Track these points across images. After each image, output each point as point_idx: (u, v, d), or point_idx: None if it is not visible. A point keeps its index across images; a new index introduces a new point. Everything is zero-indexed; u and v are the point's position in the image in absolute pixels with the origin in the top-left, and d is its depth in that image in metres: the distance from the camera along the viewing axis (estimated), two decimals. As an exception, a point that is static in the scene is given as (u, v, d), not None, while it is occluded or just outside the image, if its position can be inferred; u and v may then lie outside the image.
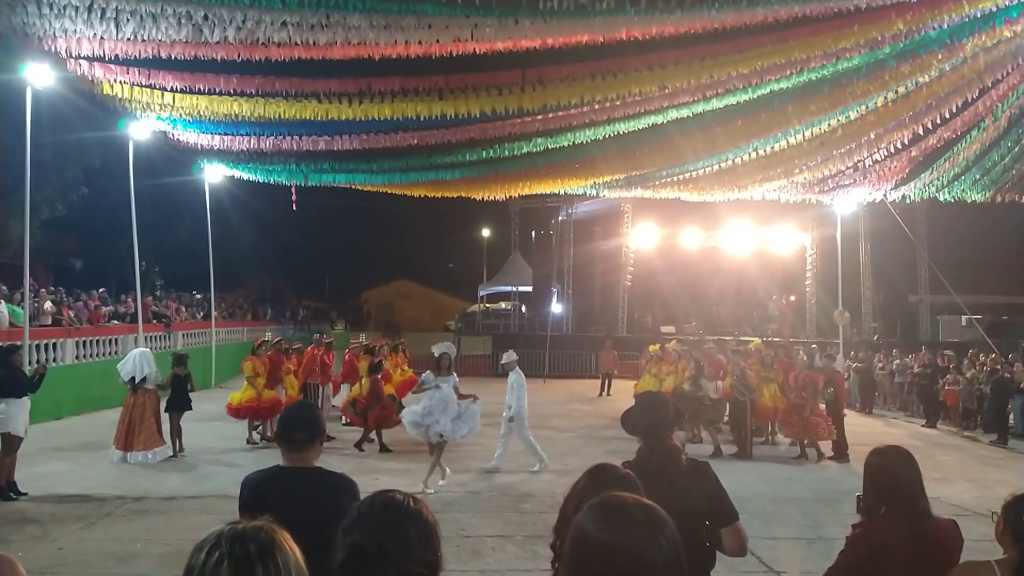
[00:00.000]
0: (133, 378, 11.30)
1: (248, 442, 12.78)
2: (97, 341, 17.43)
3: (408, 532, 1.68)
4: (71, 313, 17.32)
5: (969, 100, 13.22)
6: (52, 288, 18.63)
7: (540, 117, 14.11)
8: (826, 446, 12.36)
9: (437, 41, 10.70)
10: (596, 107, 13.42)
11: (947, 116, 13.73)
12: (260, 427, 13.05)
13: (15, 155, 16.04)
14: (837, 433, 12.28)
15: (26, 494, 8.95)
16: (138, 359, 11.50)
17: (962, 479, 10.94)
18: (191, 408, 11.99)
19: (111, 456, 11.13)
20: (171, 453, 11.37)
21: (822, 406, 12.51)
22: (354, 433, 13.02)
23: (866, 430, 15.93)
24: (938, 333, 26.85)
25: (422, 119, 13.56)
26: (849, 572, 2.90)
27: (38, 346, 15.17)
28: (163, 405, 11.69)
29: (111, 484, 9.62)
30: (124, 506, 8.58)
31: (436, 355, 10.02)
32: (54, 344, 15.86)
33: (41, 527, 7.74)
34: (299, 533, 1.48)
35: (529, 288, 34.04)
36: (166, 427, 11.56)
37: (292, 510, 1.94)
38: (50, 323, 16.20)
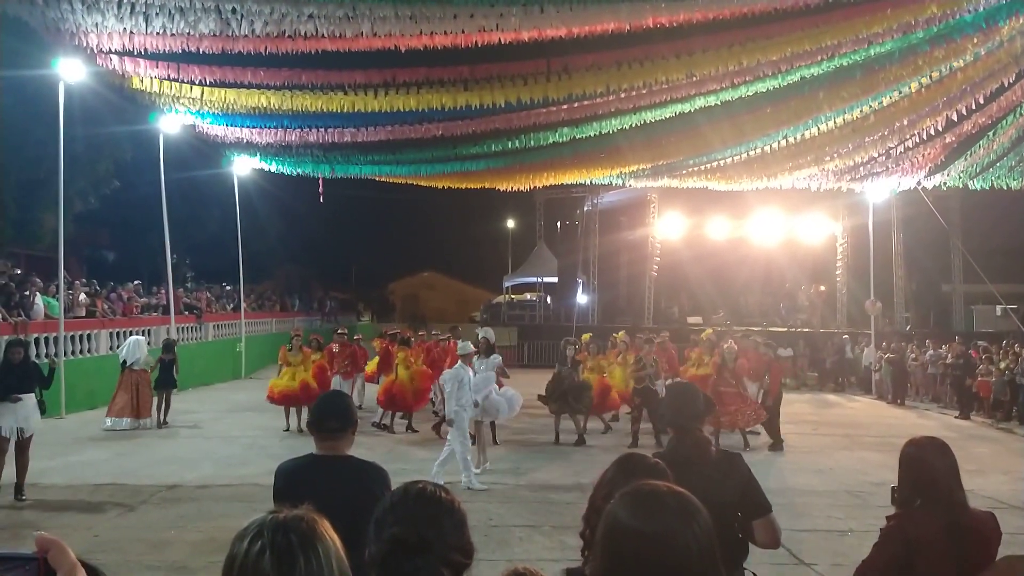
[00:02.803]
0: (125, 360, 13.43)
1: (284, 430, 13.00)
2: (130, 332, 17.72)
3: (443, 521, 1.71)
4: (105, 305, 17.62)
5: (1005, 85, 12.90)
6: (85, 280, 18.96)
7: (566, 106, 14.02)
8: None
9: (462, 31, 10.68)
10: (622, 96, 13.30)
11: (982, 101, 13.41)
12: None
13: (48, 149, 16.35)
14: (770, 423, 12.22)
15: (25, 499, 8.32)
16: (132, 346, 13.68)
17: (997, 471, 10.74)
18: (176, 387, 14.06)
19: (102, 423, 13.03)
20: (150, 425, 13.28)
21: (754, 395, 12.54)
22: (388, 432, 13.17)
23: (899, 422, 15.73)
24: (972, 323, 26.34)
25: (447, 110, 13.55)
26: (884, 565, 2.85)
27: (72, 337, 15.47)
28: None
29: (145, 472, 9.79)
30: (158, 494, 8.73)
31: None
32: (88, 335, 16.15)
33: (77, 515, 7.90)
34: (332, 521, 1.49)
35: (554, 279, 33.94)
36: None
37: (325, 498, 1.95)
38: (84, 315, 16.49)
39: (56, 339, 14.56)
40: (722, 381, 12.07)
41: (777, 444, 12.14)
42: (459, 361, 10.08)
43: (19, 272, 17.04)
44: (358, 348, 15.01)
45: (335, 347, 14.46)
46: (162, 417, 13.53)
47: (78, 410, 14.72)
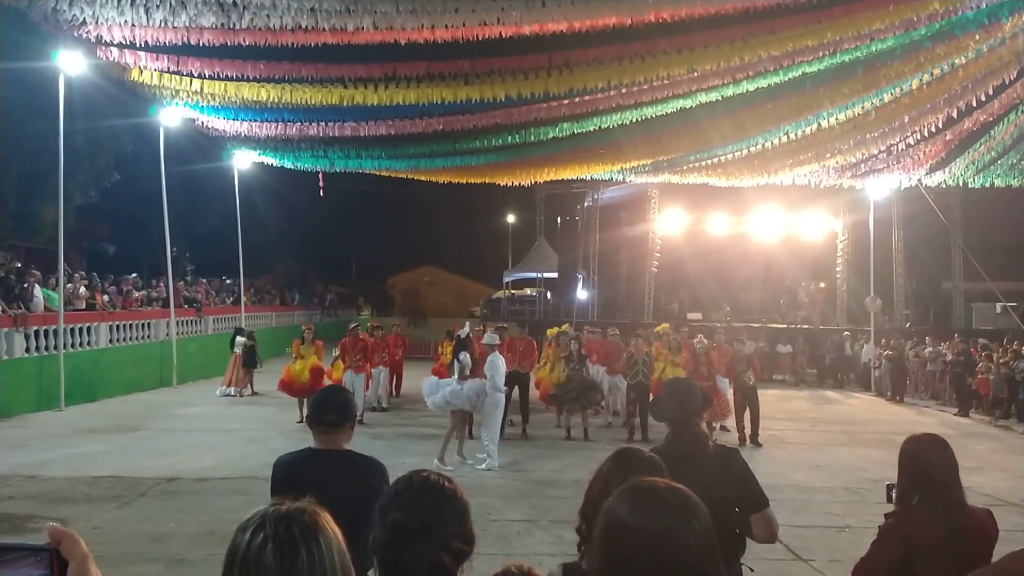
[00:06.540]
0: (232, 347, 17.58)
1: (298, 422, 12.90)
2: (130, 325, 17.72)
3: (445, 509, 1.75)
4: (104, 298, 17.61)
5: (1006, 82, 12.89)
6: (84, 273, 18.93)
7: (566, 101, 14.00)
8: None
9: (463, 25, 10.66)
10: (623, 91, 13.29)
11: (983, 99, 13.39)
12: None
13: (48, 141, 16.31)
14: (753, 417, 12.26)
15: None
16: (237, 338, 17.75)
17: (995, 469, 10.75)
18: (256, 366, 17.39)
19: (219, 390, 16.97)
20: (248, 393, 17.10)
21: (730, 392, 12.56)
22: (386, 426, 13.14)
23: (897, 418, 15.74)
24: (972, 320, 26.34)
25: (448, 104, 13.53)
26: (882, 562, 2.85)
27: (72, 330, 15.46)
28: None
29: (144, 465, 9.80)
30: (157, 487, 8.74)
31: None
32: (87, 328, 16.14)
33: (76, 507, 7.90)
34: (330, 513, 1.49)
35: (554, 274, 33.92)
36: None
37: (323, 491, 1.95)
38: (84, 307, 16.47)
39: (56, 332, 14.56)
40: (697, 375, 12.05)
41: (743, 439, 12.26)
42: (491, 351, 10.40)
43: (19, 265, 17.02)
44: (372, 342, 14.57)
45: (367, 340, 14.38)
46: (251, 389, 17.17)
47: (77, 403, 14.73)
